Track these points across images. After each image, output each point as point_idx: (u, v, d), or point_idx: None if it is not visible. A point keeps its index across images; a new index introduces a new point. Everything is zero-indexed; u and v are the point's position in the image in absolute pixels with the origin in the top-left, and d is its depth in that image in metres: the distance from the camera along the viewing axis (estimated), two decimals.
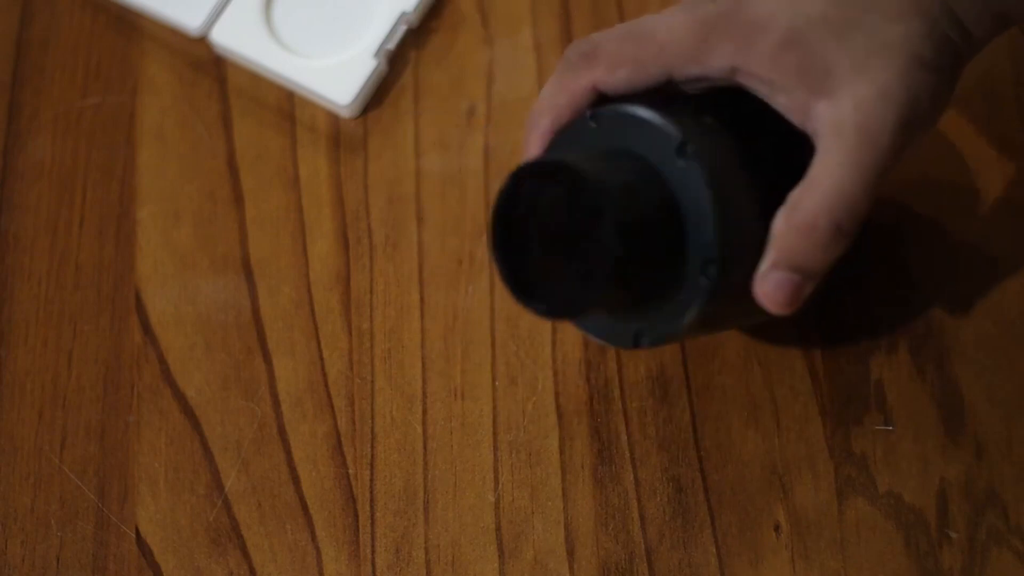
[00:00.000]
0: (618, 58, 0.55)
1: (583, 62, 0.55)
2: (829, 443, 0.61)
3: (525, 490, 0.62)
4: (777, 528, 0.60)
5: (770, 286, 0.53)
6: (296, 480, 0.62)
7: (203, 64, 0.70)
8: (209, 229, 0.67)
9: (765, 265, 0.53)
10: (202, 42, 0.70)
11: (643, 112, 0.54)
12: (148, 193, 0.68)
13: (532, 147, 0.56)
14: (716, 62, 0.53)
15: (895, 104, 0.52)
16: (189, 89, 0.70)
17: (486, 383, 0.63)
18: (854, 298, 0.63)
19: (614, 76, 0.55)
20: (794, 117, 0.53)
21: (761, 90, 0.53)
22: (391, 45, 0.69)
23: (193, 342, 0.65)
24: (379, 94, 0.69)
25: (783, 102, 0.53)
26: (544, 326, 0.64)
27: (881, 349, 0.63)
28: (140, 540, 0.62)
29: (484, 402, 0.63)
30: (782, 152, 0.55)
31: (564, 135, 0.56)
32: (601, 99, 0.56)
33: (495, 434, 0.63)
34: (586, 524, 0.61)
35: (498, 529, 0.61)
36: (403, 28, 0.69)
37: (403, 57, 0.70)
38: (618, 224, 0.51)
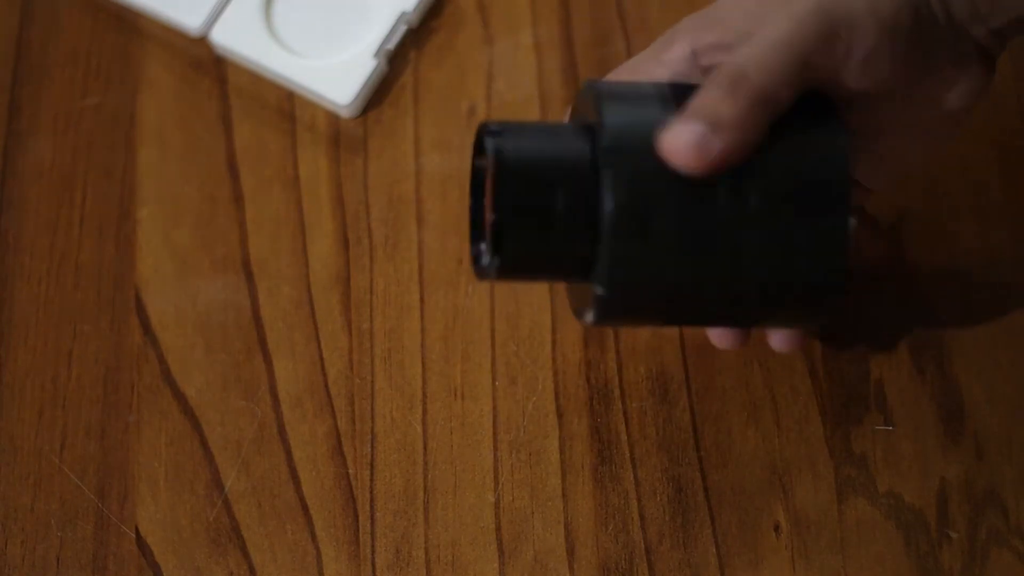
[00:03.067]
0: None
1: None
2: (829, 443, 0.62)
3: (525, 490, 0.62)
4: (777, 528, 0.60)
5: (673, 135, 0.51)
6: (296, 480, 0.62)
7: (203, 64, 0.70)
8: (209, 229, 0.67)
9: (672, 124, 0.52)
10: (202, 42, 0.70)
11: (593, 87, 0.53)
12: (148, 193, 0.68)
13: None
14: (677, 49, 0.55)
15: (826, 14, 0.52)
16: (189, 89, 0.70)
17: (486, 383, 0.63)
18: (854, 298, 0.63)
19: None
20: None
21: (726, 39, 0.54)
22: (391, 45, 0.69)
23: (193, 342, 0.65)
24: (379, 94, 0.69)
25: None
26: (544, 326, 0.64)
27: (881, 349, 0.63)
28: (140, 540, 0.62)
29: (484, 402, 0.63)
30: None
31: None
32: None
33: (495, 434, 0.63)
34: (586, 524, 0.61)
35: (498, 529, 0.61)
36: (403, 28, 0.69)
37: (403, 57, 0.70)
38: (501, 194, 0.51)
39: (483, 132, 0.53)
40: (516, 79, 0.68)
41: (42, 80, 0.70)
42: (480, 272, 0.54)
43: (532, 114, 0.68)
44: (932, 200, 0.65)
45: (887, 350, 0.63)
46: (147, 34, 0.71)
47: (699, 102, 0.52)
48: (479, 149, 0.54)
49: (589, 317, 0.53)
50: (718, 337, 0.59)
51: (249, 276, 0.66)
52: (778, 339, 0.59)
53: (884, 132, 0.56)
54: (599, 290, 0.52)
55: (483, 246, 0.54)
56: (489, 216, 0.52)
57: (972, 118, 0.56)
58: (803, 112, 0.53)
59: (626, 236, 0.51)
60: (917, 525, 0.60)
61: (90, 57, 0.70)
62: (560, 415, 0.63)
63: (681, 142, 0.51)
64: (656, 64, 0.55)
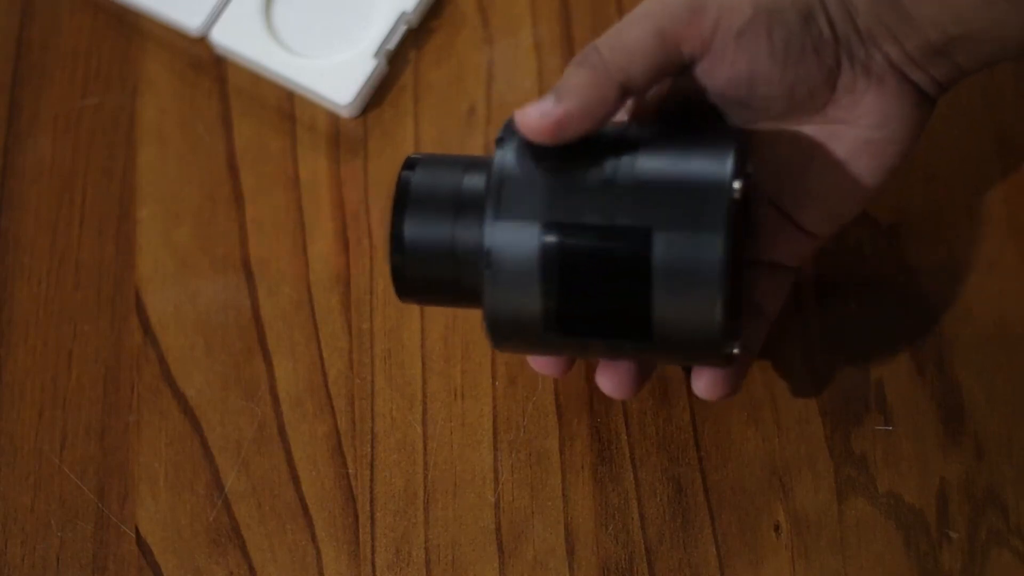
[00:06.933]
0: None
1: None
2: (829, 443, 0.62)
3: (525, 490, 0.62)
4: (777, 528, 0.60)
5: (526, 107, 0.53)
6: (296, 480, 0.62)
7: (203, 64, 0.70)
8: (209, 229, 0.67)
9: None
10: (202, 42, 0.70)
11: (507, 124, 0.55)
12: (148, 193, 0.68)
13: None
14: None
15: None
16: (189, 89, 0.70)
17: (486, 383, 0.63)
18: (854, 297, 0.63)
19: None
20: None
21: None
22: (391, 45, 0.69)
23: (193, 342, 0.65)
24: (379, 94, 0.69)
25: None
26: None
27: (881, 349, 0.63)
28: (140, 540, 0.62)
29: (484, 402, 0.63)
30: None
31: None
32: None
33: (495, 434, 0.63)
34: (586, 524, 0.61)
35: (498, 529, 0.61)
36: (403, 28, 0.69)
37: (403, 57, 0.70)
38: (398, 217, 0.55)
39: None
40: (516, 79, 0.68)
41: (42, 80, 0.70)
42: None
43: None
44: (931, 197, 0.65)
45: (887, 350, 0.63)
46: (147, 34, 0.71)
47: (559, 79, 0.54)
48: None
49: (487, 334, 0.55)
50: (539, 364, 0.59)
51: (249, 276, 0.66)
52: (700, 385, 0.58)
53: (813, 166, 0.56)
54: (485, 320, 0.54)
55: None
56: (389, 244, 0.55)
57: (901, 156, 0.55)
58: (703, 144, 0.53)
59: (502, 268, 0.53)
60: (917, 525, 0.60)
61: (90, 57, 0.70)
62: (560, 415, 0.63)
63: (529, 110, 0.53)
64: None
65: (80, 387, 0.65)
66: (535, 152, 0.53)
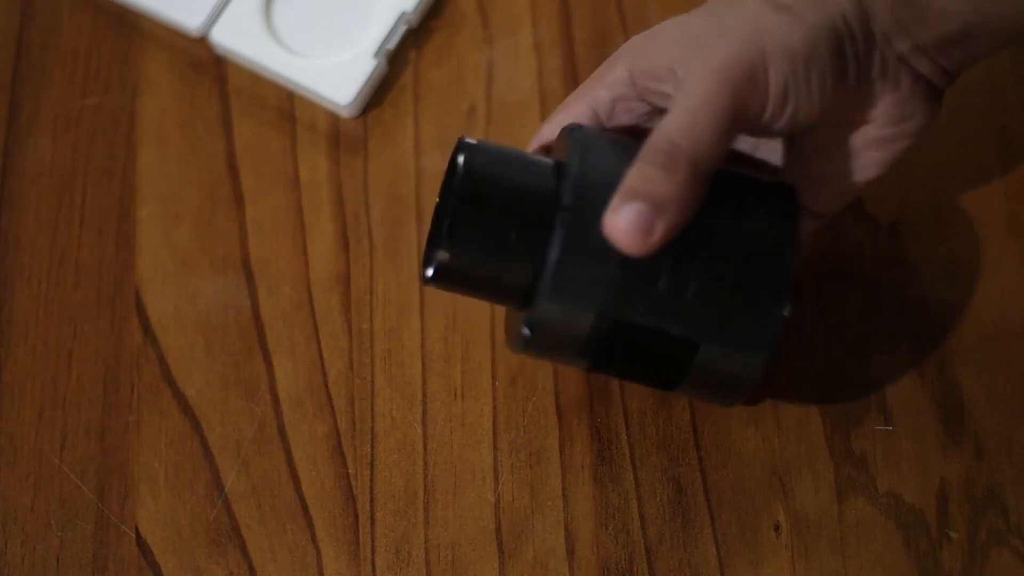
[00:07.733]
0: None
1: None
2: (829, 443, 0.62)
3: (525, 490, 0.62)
4: (777, 528, 0.60)
5: (618, 219, 0.52)
6: (296, 480, 0.62)
7: (203, 64, 0.70)
8: (209, 229, 0.67)
9: (613, 202, 0.52)
10: (202, 42, 0.70)
11: (572, 132, 0.55)
12: (148, 193, 0.68)
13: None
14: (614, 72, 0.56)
15: (743, 55, 0.53)
16: (189, 89, 0.70)
17: (486, 383, 0.63)
18: (854, 297, 0.63)
19: None
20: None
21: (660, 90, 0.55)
22: (391, 45, 0.69)
23: (193, 342, 0.65)
24: (379, 94, 0.69)
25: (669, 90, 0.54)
26: None
27: (881, 349, 0.63)
28: (140, 540, 0.62)
29: (484, 402, 0.63)
30: None
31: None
32: None
33: (495, 434, 0.63)
34: (586, 524, 0.61)
35: (498, 529, 0.61)
36: (403, 28, 0.69)
37: (403, 57, 0.70)
38: (454, 207, 0.53)
39: (458, 145, 0.54)
40: (516, 79, 0.68)
41: (42, 80, 0.70)
42: (424, 273, 0.55)
43: (532, 114, 0.68)
44: (932, 196, 0.65)
45: (887, 350, 0.63)
46: (147, 34, 0.71)
47: (637, 180, 0.52)
48: (454, 162, 0.55)
49: (513, 346, 0.55)
50: None
51: (249, 276, 0.66)
52: None
53: (823, 156, 0.57)
54: (526, 330, 0.54)
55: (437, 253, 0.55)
56: (444, 221, 0.54)
57: (908, 148, 0.56)
58: (763, 195, 0.54)
59: (563, 287, 0.53)
60: (917, 525, 0.60)
61: (90, 57, 0.70)
62: (560, 415, 0.63)
63: (625, 223, 0.52)
64: (599, 86, 0.57)
65: (80, 387, 0.65)
66: (602, 203, 0.52)
